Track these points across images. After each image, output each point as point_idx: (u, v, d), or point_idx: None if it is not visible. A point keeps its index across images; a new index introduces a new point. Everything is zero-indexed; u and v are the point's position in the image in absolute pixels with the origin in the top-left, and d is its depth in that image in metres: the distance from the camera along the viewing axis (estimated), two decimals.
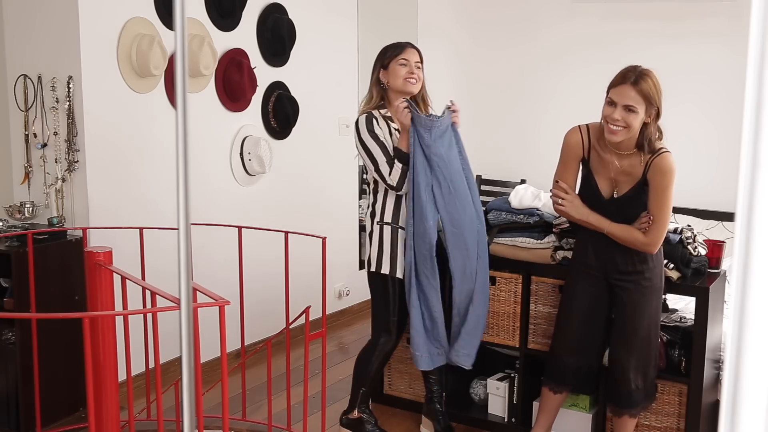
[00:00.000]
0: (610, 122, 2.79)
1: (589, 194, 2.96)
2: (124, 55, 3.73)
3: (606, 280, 3.05)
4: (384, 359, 3.45)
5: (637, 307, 2.99)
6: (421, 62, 3.35)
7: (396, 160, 3.22)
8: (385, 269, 3.31)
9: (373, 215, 3.35)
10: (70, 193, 3.70)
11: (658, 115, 2.82)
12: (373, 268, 3.33)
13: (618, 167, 2.88)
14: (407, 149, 3.21)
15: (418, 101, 3.36)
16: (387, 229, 3.31)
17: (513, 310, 3.51)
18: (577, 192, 3.01)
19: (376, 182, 3.32)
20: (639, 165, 2.86)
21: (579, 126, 3.00)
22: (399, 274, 3.30)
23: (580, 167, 3.03)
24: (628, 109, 2.74)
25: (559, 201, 2.99)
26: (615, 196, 2.93)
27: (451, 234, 3.26)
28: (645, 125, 2.81)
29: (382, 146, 3.23)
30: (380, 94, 3.34)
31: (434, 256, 3.23)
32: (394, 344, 3.41)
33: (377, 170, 3.23)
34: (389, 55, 3.32)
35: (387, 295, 3.34)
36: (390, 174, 3.21)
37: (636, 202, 2.89)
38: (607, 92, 2.83)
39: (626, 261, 2.98)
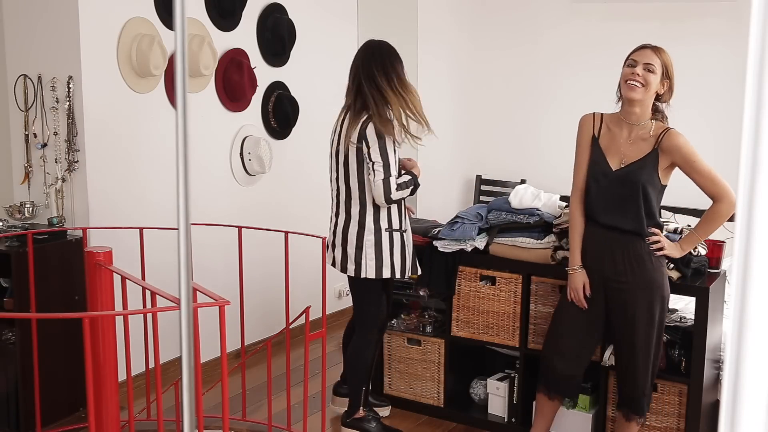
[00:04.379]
0: (629, 79, 2.93)
1: (598, 169, 3.01)
2: (124, 55, 3.73)
3: (603, 287, 3.04)
4: (376, 352, 3.52)
5: (636, 309, 2.98)
6: None
7: (412, 187, 3.29)
8: (398, 273, 3.32)
9: (377, 222, 3.28)
10: (70, 193, 3.70)
11: (671, 91, 2.98)
12: (386, 274, 3.28)
13: (629, 139, 2.97)
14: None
15: None
16: (396, 236, 3.31)
17: (513, 310, 3.52)
18: (587, 170, 3.04)
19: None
20: (649, 138, 2.95)
21: (592, 112, 3.13)
22: (407, 274, 3.41)
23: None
24: (648, 68, 2.91)
25: (658, 247, 2.99)
26: (622, 166, 2.97)
27: None
28: (658, 97, 2.96)
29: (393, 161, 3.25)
30: None
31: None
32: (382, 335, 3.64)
33: (386, 180, 3.18)
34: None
35: (383, 295, 3.42)
36: (397, 191, 3.22)
37: (640, 172, 2.93)
38: (627, 58, 2.98)
39: (623, 260, 2.98)
